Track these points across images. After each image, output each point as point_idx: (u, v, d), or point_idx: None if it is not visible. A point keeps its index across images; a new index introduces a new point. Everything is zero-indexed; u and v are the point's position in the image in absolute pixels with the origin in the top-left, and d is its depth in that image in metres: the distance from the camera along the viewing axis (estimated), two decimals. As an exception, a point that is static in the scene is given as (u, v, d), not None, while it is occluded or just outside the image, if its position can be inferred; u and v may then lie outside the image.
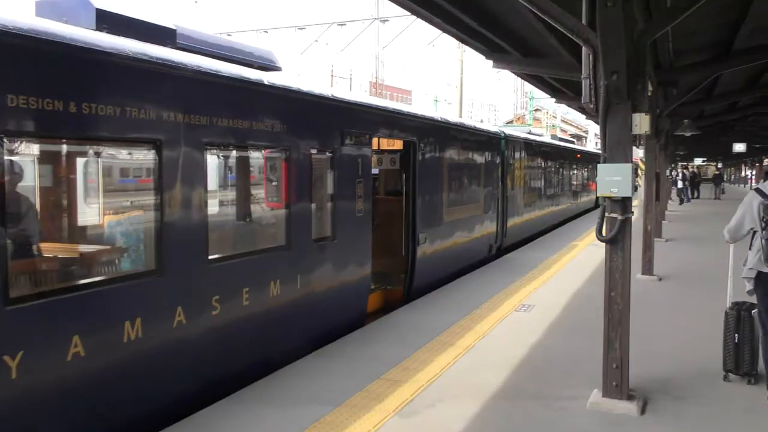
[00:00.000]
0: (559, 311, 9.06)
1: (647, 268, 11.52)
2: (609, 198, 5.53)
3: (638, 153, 25.56)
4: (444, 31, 10.54)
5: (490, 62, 12.56)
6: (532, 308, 9.23)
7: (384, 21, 30.69)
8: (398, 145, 10.47)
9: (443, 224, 11.24)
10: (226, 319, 5.92)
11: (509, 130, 17.07)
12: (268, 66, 7.48)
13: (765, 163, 51.34)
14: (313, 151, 7.31)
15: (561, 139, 28.55)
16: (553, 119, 64.15)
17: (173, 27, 6.13)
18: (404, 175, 10.11)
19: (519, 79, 57.74)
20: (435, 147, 10.78)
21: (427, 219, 10.47)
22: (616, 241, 5.63)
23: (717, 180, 41.93)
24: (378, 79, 61.44)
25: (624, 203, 5.53)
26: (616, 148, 5.52)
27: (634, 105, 5.47)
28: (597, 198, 33.19)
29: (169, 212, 5.28)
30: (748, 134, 33.25)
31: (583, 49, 5.81)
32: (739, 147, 34.78)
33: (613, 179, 5.41)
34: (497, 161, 14.78)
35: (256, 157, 7.17)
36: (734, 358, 6.16)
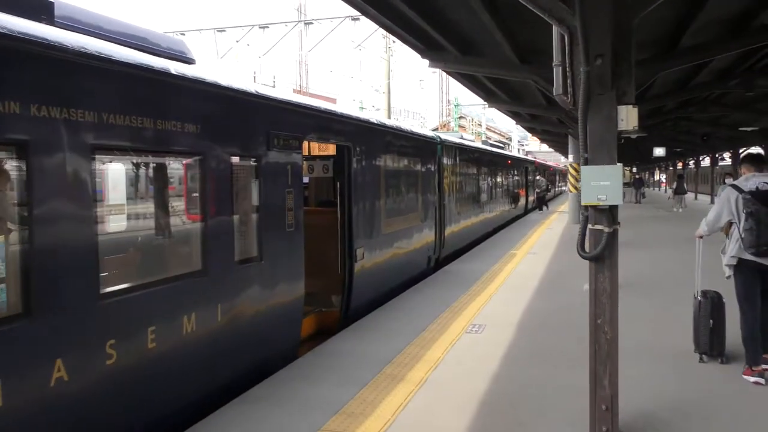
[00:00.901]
0: (513, 331, 8.20)
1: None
2: (593, 207, 4.66)
3: (568, 158, 25.54)
4: (379, 23, 9.59)
5: (425, 63, 11.70)
6: (484, 328, 8.35)
7: (308, 24, 29.60)
8: (331, 150, 9.42)
9: (382, 236, 10.25)
10: (124, 368, 4.69)
11: (444, 135, 16.32)
12: (179, 57, 6.28)
13: (680, 167, 53.38)
14: (235, 157, 6.16)
15: (492, 145, 28.22)
16: (478, 127, 64.52)
17: (50, 0, 4.87)
18: (338, 183, 9.05)
19: (444, 86, 57.61)
20: (371, 152, 9.79)
21: (364, 231, 9.46)
22: (602, 258, 4.77)
23: (637, 184, 43.06)
24: (302, 86, 60.07)
25: (611, 212, 4.68)
26: (599, 147, 4.67)
27: (619, 95, 4.63)
28: (527, 204, 33.13)
29: (43, 235, 4.03)
30: (666, 138, 34.07)
31: (555, 31, 4.96)
32: (659, 151, 35.56)
33: (599, 184, 4.55)
34: (434, 167, 13.94)
35: (163, 164, 5.94)
36: (709, 341, 6.63)
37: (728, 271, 6.30)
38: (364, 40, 27.26)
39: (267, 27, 29.47)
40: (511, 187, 28.24)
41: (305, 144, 9.47)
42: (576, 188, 24.76)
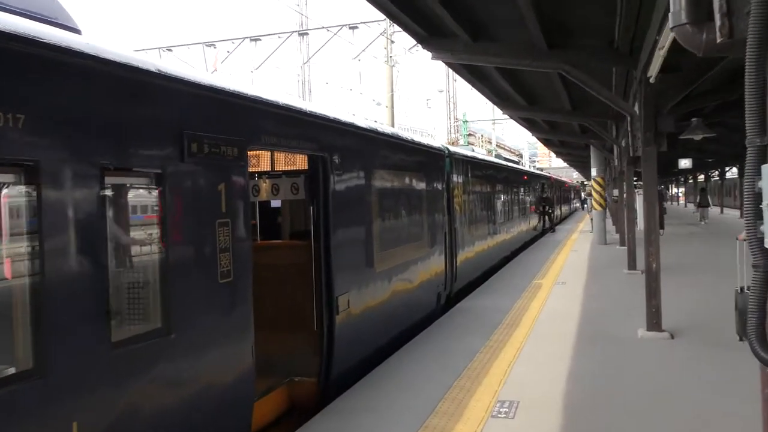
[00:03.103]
0: (559, 413, 5.74)
1: (653, 322, 8.40)
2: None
3: (591, 172, 23.09)
4: (374, 4, 7.31)
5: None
6: (516, 408, 5.89)
7: (303, 34, 27.51)
8: (302, 163, 7.07)
9: (375, 276, 7.84)
10: None
11: (453, 148, 13.97)
12: (54, 23, 4.00)
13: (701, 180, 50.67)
14: (114, 172, 3.81)
15: (506, 160, 25.84)
16: (488, 144, 62.19)
17: None
18: (312, 207, 6.68)
19: (451, 101, 55.61)
20: (358, 165, 7.43)
21: (349, 271, 7.07)
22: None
23: (659, 198, 40.37)
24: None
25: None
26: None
27: None
28: (544, 224, 30.62)
29: None
30: (689, 149, 31.49)
31: None
32: (685, 163, 32.90)
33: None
34: (442, 184, 11.55)
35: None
36: None
37: None
38: (363, 50, 25.07)
39: (259, 39, 27.44)
40: (528, 205, 25.80)
41: (258, 154, 7.13)
42: (602, 205, 22.28)
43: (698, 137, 9.72)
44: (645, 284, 8.47)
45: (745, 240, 7.67)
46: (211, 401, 4.65)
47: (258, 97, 5.34)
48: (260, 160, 7.07)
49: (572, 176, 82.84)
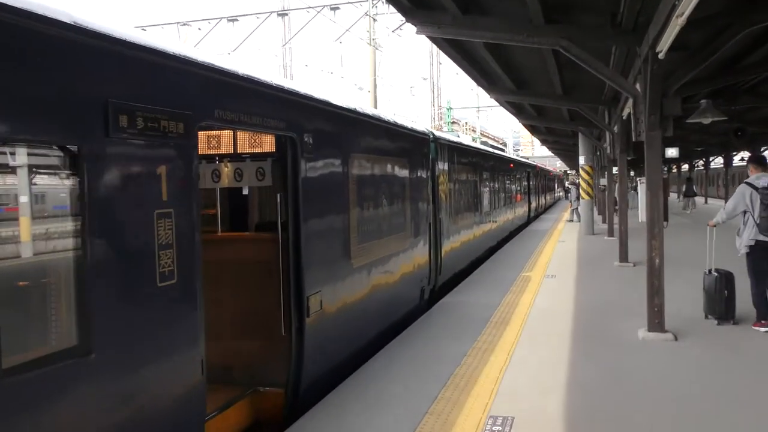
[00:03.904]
0: (559, 430, 5.03)
1: (656, 322, 7.72)
2: None
3: (579, 160, 22.45)
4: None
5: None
6: (511, 427, 5.16)
7: (282, 15, 26.48)
8: (269, 145, 6.24)
9: (352, 272, 7.05)
10: None
11: (438, 132, 13.16)
12: None
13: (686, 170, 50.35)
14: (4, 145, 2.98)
15: (493, 147, 25.09)
16: (472, 132, 61.36)
17: None
18: (279, 195, 5.85)
19: (435, 87, 54.63)
20: (332, 147, 6.61)
21: (322, 267, 6.27)
22: None
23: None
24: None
25: None
26: None
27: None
28: (529, 212, 30.04)
29: None
30: (675, 138, 30.92)
31: None
32: (671, 152, 32.39)
33: None
34: (426, 171, 10.76)
35: None
36: (725, 308, 8.14)
37: (744, 250, 7.84)
38: (346, 31, 24.08)
39: (236, 20, 26.37)
40: (514, 193, 25.13)
41: (219, 134, 6.29)
42: (589, 194, 21.66)
43: (707, 121, 9.03)
44: (647, 281, 7.77)
45: (714, 226, 8.37)
46: (148, 427, 3.85)
47: (210, 64, 4.49)
48: (221, 140, 6.23)
49: (555, 165, 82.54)
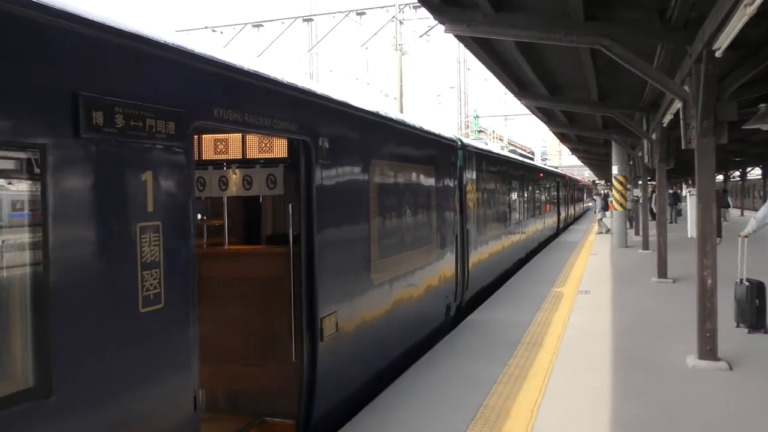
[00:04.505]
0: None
1: (707, 349, 6.98)
2: None
3: (612, 170, 21.60)
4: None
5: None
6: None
7: (308, 20, 26.10)
8: (280, 150, 5.68)
9: (372, 289, 6.45)
10: None
11: (466, 140, 12.53)
12: None
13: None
14: None
15: (521, 155, 24.37)
16: (499, 141, 60.47)
17: None
18: (292, 204, 5.28)
19: (462, 97, 53.93)
20: (352, 153, 6.03)
21: (339, 285, 5.68)
22: None
23: (673, 199, 38.50)
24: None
25: None
26: None
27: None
28: (559, 223, 29.20)
29: None
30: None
31: None
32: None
33: None
34: (454, 180, 10.13)
35: None
36: (756, 317, 8.18)
37: None
38: (372, 36, 23.59)
39: (261, 25, 26.06)
40: (544, 203, 24.34)
41: (227, 138, 5.73)
42: (622, 205, 20.81)
43: (767, 127, 8.32)
44: (698, 303, 7.03)
45: (745, 236, 8.49)
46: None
47: (208, 56, 3.93)
48: (229, 145, 5.69)
49: (584, 174, 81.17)
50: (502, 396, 6.16)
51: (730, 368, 6.85)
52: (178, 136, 3.53)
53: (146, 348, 3.36)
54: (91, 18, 3.01)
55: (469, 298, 11.08)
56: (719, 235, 7.53)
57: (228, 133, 5.56)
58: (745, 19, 4.77)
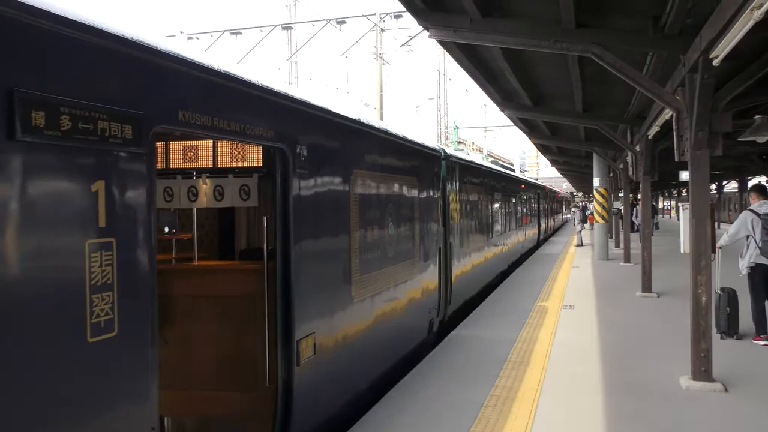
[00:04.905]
0: None
1: (702, 370, 6.69)
2: None
3: (594, 182, 21.48)
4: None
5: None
6: None
7: (287, 28, 25.73)
8: (254, 158, 5.29)
9: (352, 307, 6.06)
10: None
11: (449, 150, 12.21)
12: None
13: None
14: None
15: (503, 167, 24.19)
16: (479, 153, 60.45)
17: None
18: (266, 217, 4.89)
19: (442, 109, 53.80)
20: (331, 162, 5.66)
21: (317, 303, 5.28)
22: None
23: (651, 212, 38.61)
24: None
25: None
26: None
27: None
28: (539, 235, 29.05)
29: None
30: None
31: None
32: (686, 175, 31.29)
33: None
34: (437, 191, 9.79)
35: None
36: (727, 324, 8.75)
37: (745, 270, 8.59)
38: (352, 45, 23.27)
39: (240, 33, 25.63)
40: (525, 215, 24.14)
41: (196, 145, 5.33)
42: (604, 218, 20.66)
43: (763, 139, 8.11)
44: (691, 322, 6.74)
45: (719, 248, 9.09)
46: None
47: (174, 53, 3.54)
48: (199, 152, 5.28)
49: (562, 186, 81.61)
50: (490, 421, 5.80)
51: (726, 389, 6.56)
52: (136, 141, 3.13)
53: (96, 383, 2.94)
54: (29, 4, 2.62)
55: (452, 313, 10.74)
56: (713, 250, 7.20)
57: (198, 140, 5.15)
58: (750, 24, 4.51)
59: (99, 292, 2.91)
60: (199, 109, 3.69)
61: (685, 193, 55.07)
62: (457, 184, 11.36)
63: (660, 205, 76.76)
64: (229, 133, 4.02)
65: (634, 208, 27.54)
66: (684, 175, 31.45)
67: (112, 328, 3.00)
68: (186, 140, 5.19)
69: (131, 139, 3.09)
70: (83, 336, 2.84)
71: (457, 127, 59.10)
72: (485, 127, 60.63)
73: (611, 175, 23.03)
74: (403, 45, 22.45)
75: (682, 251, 14.36)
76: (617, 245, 24.78)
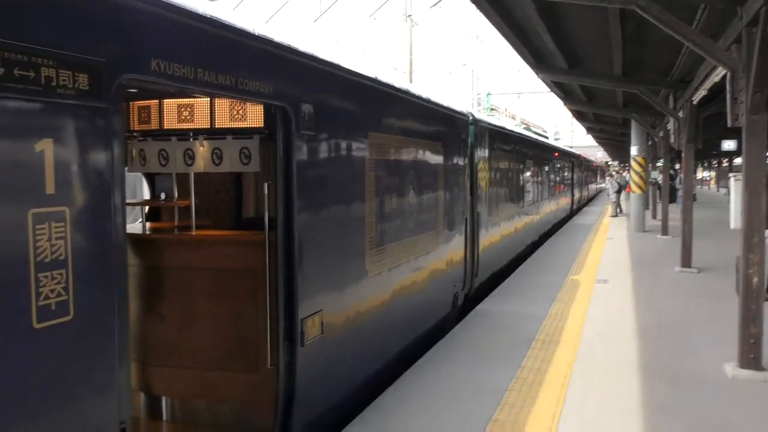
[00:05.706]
0: None
1: (751, 357, 6.09)
2: None
3: (631, 150, 20.55)
4: None
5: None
6: None
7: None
8: (255, 118, 4.79)
9: (366, 282, 5.59)
10: None
11: (478, 114, 11.56)
12: None
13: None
14: None
15: (536, 133, 23.33)
16: (512, 119, 59.13)
17: None
18: (268, 183, 4.41)
19: (474, 73, 52.47)
20: (342, 123, 5.14)
21: (324, 278, 4.83)
22: None
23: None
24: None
25: None
26: None
27: None
28: (572, 204, 28.24)
29: None
30: (733, 128, 28.53)
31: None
32: (729, 144, 29.91)
33: None
34: (464, 158, 9.21)
35: None
36: None
37: None
38: (380, 7, 22.49)
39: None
40: (558, 183, 23.36)
41: (192, 103, 4.84)
42: (641, 188, 19.80)
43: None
44: (740, 305, 6.14)
45: None
46: None
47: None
48: (195, 111, 4.80)
49: (597, 155, 79.68)
50: (514, 408, 5.32)
51: (776, 377, 5.98)
52: (95, 93, 2.65)
53: (45, 376, 2.52)
54: None
55: (478, 285, 10.23)
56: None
57: (191, 97, 4.67)
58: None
59: (48, 270, 2.48)
60: (179, 58, 3.20)
61: (726, 164, 53.16)
62: (486, 150, 10.74)
63: (699, 175, 74.54)
64: (217, 87, 3.52)
65: (677, 177, 26.46)
66: (726, 145, 30.04)
67: (66, 311, 2.57)
68: (181, 98, 4.71)
69: (87, 91, 2.61)
70: (26, 322, 2.41)
71: (489, 94, 57.79)
72: (519, 93, 59.17)
73: (650, 143, 22.05)
74: (433, 6, 21.57)
75: (732, 227, 13.58)
76: (654, 216, 23.88)
